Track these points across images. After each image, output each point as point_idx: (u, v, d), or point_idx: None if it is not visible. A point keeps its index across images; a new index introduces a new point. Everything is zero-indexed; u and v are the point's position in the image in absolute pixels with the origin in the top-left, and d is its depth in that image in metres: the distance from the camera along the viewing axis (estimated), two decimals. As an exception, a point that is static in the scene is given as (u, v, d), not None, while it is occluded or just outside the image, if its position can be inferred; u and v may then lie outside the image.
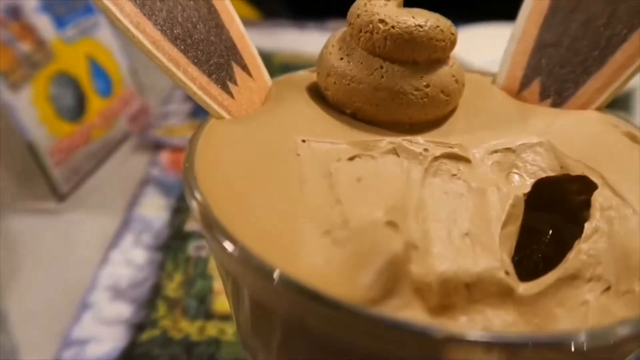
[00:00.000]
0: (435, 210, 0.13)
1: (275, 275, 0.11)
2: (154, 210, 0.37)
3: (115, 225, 0.35)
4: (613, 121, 0.16)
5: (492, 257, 0.12)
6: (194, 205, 0.13)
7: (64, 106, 0.37)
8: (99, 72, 0.41)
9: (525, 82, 0.18)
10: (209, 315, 0.29)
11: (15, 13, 0.34)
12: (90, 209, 0.37)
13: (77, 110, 0.38)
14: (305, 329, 0.11)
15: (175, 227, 0.35)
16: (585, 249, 0.12)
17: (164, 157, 0.42)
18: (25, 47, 0.34)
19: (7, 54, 0.33)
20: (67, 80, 0.38)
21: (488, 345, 0.09)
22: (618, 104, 0.53)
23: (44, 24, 0.36)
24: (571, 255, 0.12)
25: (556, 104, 0.18)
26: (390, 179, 0.14)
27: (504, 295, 0.12)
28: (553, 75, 0.18)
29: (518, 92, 0.19)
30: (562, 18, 0.18)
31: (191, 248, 0.33)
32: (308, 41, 0.68)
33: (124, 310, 0.29)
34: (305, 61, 0.59)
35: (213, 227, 0.12)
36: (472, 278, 0.12)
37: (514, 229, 0.13)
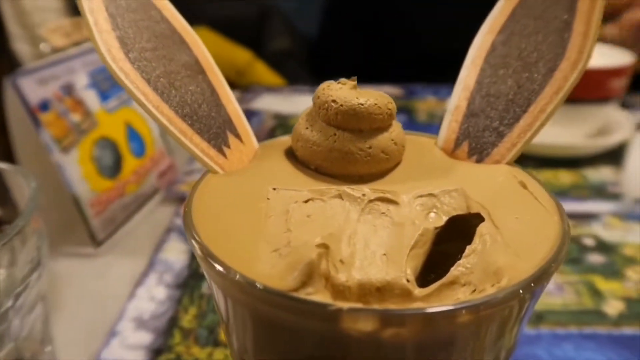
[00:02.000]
0: (364, 237, 0.18)
1: (241, 279, 0.16)
2: (176, 254, 0.42)
3: (143, 266, 0.41)
4: (515, 173, 0.21)
5: (399, 270, 0.17)
6: (191, 240, 0.18)
7: (104, 165, 0.44)
8: (134, 136, 0.48)
9: (457, 144, 0.24)
10: (217, 343, 0.33)
11: (69, 90, 0.42)
12: (122, 253, 0.43)
13: (114, 168, 0.45)
14: (261, 315, 0.16)
15: (192, 269, 0.40)
16: (462, 263, 0.16)
17: (187, 208, 0.48)
18: (75, 117, 0.42)
19: (62, 123, 0.40)
20: (108, 144, 0.45)
21: (364, 314, 0.14)
22: (611, 157, 0.57)
23: (91, 98, 0.44)
24: (453, 268, 0.16)
25: (479, 160, 0.23)
26: (333, 216, 0.19)
27: (404, 296, 0.16)
28: (477, 138, 0.23)
29: (452, 152, 0.24)
30: (483, 94, 0.23)
31: (205, 287, 0.38)
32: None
33: (145, 337, 0.34)
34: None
35: (206, 255, 0.17)
36: (382, 283, 0.16)
37: (422, 251, 0.18)
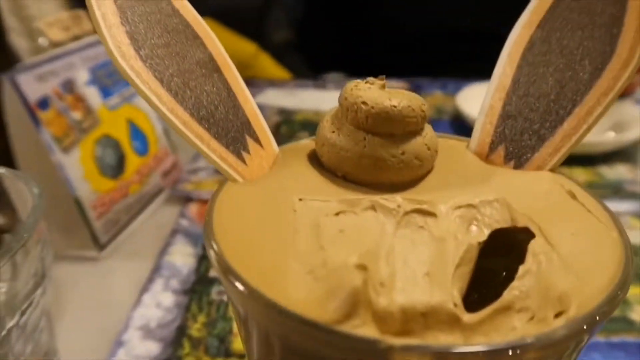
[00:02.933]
0: (403, 255, 0.16)
1: (273, 306, 0.14)
2: (182, 258, 0.41)
3: (148, 271, 0.39)
4: (560, 181, 0.19)
5: (445, 292, 0.15)
6: (211, 253, 0.17)
7: (106, 165, 0.42)
8: (137, 133, 0.46)
9: (492, 148, 0.22)
10: (228, 353, 0.32)
11: (69, 86, 0.40)
12: (126, 257, 0.41)
13: (117, 168, 0.43)
14: (293, 346, 0.14)
15: (200, 273, 0.39)
16: (517, 286, 0.15)
17: (193, 209, 0.47)
18: (76, 115, 0.40)
19: (62, 121, 0.38)
20: (110, 142, 0.43)
21: (420, 353, 0.12)
22: (627, 154, 0.56)
23: (92, 95, 0.42)
24: (506, 292, 0.15)
25: (517, 166, 0.21)
26: (367, 230, 0.17)
27: (452, 322, 0.15)
28: (514, 142, 0.21)
29: (487, 156, 0.22)
30: (520, 94, 0.22)
31: (214, 292, 0.37)
32: (326, 99, 0.73)
33: (153, 348, 0.32)
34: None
35: (227, 271, 0.16)
36: (427, 308, 0.15)
37: (467, 269, 0.16)
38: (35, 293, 0.21)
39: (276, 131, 0.63)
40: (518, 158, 0.21)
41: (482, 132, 0.22)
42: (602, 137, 0.56)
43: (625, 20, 0.19)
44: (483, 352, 0.12)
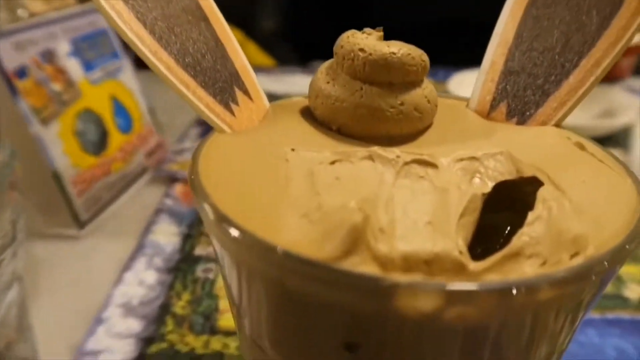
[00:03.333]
0: (403, 204, 0.15)
1: (270, 248, 0.13)
2: (167, 236, 0.39)
3: (130, 250, 0.37)
4: (566, 134, 0.19)
5: (449, 240, 0.14)
6: (202, 204, 0.15)
7: (88, 140, 0.41)
8: (120, 110, 0.45)
9: (494, 105, 0.21)
10: (214, 330, 0.30)
11: (49, 57, 0.38)
12: (108, 236, 0.40)
13: (99, 144, 0.42)
14: (291, 292, 0.13)
15: (185, 252, 0.37)
16: (526, 232, 0.14)
17: (178, 189, 0.45)
18: (56, 86, 0.38)
19: (41, 92, 0.36)
20: (92, 117, 0.41)
21: (428, 291, 0.11)
22: (616, 140, 0.55)
23: (74, 67, 0.40)
24: (515, 238, 0.14)
25: (520, 122, 0.20)
26: (365, 179, 0.16)
27: (457, 271, 0.13)
28: (517, 98, 0.20)
29: (488, 114, 0.21)
30: (523, 49, 0.21)
31: (199, 270, 0.35)
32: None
33: (134, 325, 0.31)
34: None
35: (220, 219, 0.14)
36: (430, 256, 0.14)
37: (471, 219, 0.15)
38: (5, 253, 0.20)
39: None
40: (521, 114, 0.20)
41: (482, 90, 0.21)
42: (592, 122, 0.55)
43: (635, -33, 0.19)
44: (496, 289, 0.11)
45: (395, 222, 0.14)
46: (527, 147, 0.18)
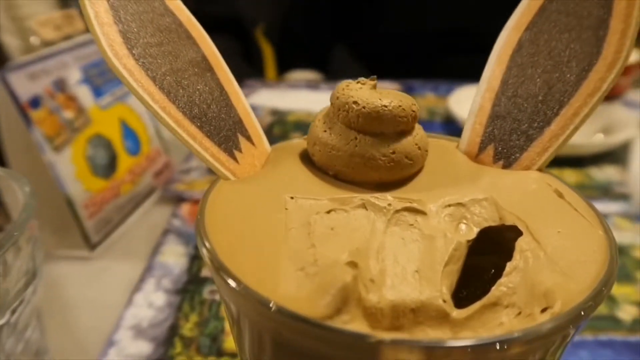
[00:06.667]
0: (393, 252, 0.17)
1: (264, 303, 0.14)
2: (174, 257, 0.41)
3: (140, 271, 0.39)
4: (548, 180, 0.20)
5: (434, 289, 0.15)
6: (203, 251, 0.17)
7: (99, 164, 0.42)
8: (129, 133, 0.46)
9: (482, 147, 0.22)
10: (220, 352, 0.32)
11: (61, 85, 0.40)
12: (118, 257, 0.41)
13: (109, 167, 0.43)
14: (284, 342, 0.14)
15: (192, 273, 0.39)
16: (504, 282, 0.15)
17: (185, 209, 0.47)
18: (68, 114, 0.40)
19: (54, 120, 0.38)
20: (102, 142, 0.43)
21: (409, 347, 0.12)
22: (615, 156, 0.56)
23: (84, 94, 0.42)
24: (494, 288, 0.15)
25: (506, 166, 0.21)
26: (358, 228, 0.17)
27: (441, 318, 0.15)
28: (503, 142, 0.22)
29: (476, 156, 0.22)
30: (509, 95, 0.22)
31: (206, 292, 0.37)
32: (319, 100, 0.73)
33: (144, 347, 0.32)
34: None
35: (219, 269, 0.16)
36: (416, 304, 0.15)
37: (456, 267, 0.17)
38: (26, 291, 0.21)
39: (269, 132, 0.63)
40: (507, 158, 0.21)
41: (471, 132, 0.23)
42: (591, 139, 0.56)
43: (611, 22, 0.20)
44: (471, 346, 0.12)
45: (385, 271, 0.16)
46: (511, 191, 0.19)
